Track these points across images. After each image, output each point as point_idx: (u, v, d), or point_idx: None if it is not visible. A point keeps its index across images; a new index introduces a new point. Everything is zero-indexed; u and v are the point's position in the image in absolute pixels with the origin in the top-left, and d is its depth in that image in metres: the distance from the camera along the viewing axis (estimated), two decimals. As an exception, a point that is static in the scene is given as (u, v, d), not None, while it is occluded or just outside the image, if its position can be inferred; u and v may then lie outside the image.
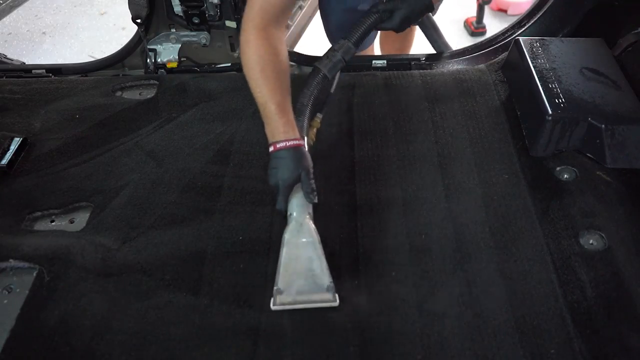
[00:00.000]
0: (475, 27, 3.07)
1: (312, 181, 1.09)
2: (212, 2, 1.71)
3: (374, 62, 1.71)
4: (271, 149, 1.09)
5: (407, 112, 1.48)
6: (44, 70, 1.78)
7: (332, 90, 1.33)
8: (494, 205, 1.22)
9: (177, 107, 1.55)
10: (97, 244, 1.18)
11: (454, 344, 0.98)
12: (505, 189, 1.25)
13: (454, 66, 1.71)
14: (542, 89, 1.34)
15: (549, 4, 1.68)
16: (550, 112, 1.28)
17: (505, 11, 3.20)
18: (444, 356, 0.97)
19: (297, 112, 1.19)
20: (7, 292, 1.10)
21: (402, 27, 1.30)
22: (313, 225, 1.06)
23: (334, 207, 1.24)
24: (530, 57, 1.44)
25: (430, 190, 1.26)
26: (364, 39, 1.28)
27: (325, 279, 1.03)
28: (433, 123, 1.44)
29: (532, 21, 1.71)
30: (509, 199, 1.23)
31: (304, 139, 1.15)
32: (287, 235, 1.04)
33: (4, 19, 3.57)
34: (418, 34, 1.96)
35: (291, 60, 1.77)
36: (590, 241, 1.14)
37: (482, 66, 1.66)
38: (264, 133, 1.34)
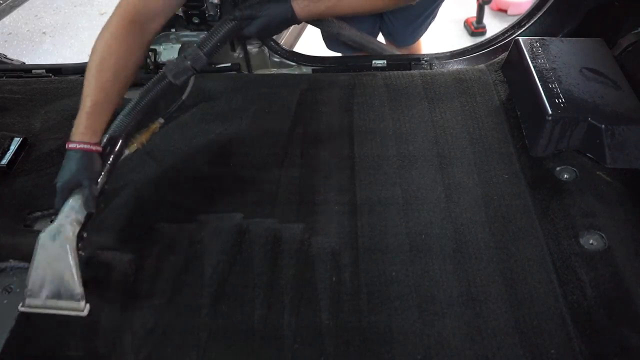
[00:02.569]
0: (475, 27, 3.07)
1: (95, 188, 1.05)
2: (212, 2, 1.71)
3: (374, 62, 1.71)
4: (67, 145, 1.07)
5: (407, 112, 1.48)
6: (44, 70, 1.78)
7: (184, 96, 1.28)
8: (494, 205, 1.22)
9: (177, 107, 1.54)
10: (97, 244, 1.17)
11: (454, 344, 0.98)
12: (505, 189, 1.25)
13: (454, 66, 1.70)
14: (542, 89, 1.34)
15: (549, 4, 1.68)
16: (550, 112, 1.28)
17: (505, 11, 3.20)
18: (444, 356, 0.97)
19: (127, 111, 1.14)
20: (7, 292, 1.10)
21: (261, 35, 1.25)
22: (72, 231, 1.01)
23: (334, 207, 1.24)
24: (530, 57, 1.44)
25: (430, 190, 1.26)
26: (219, 47, 1.21)
27: (76, 287, 0.99)
28: (433, 123, 1.44)
29: (532, 21, 1.71)
30: (509, 199, 1.23)
31: (119, 140, 1.12)
32: (43, 236, 1.01)
33: (4, 19, 3.58)
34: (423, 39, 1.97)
35: (291, 61, 1.77)
36: (590, 241, 1.14)
37: (482, 66, 1.66)
38: (264, 133, 1.33)
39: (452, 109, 1.48)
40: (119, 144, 1.12)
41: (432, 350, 0.97)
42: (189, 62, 1.18)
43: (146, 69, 1.80)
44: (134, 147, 1.18)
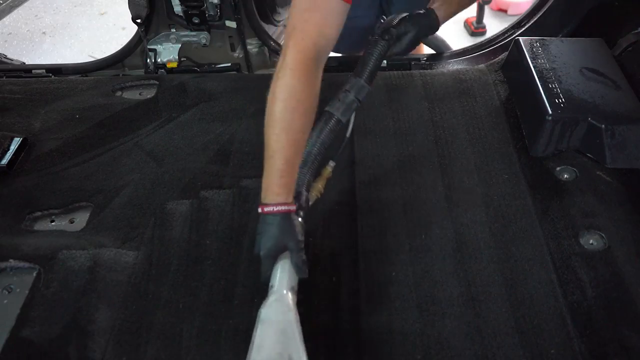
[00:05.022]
0: (475, 27, 3.07)
1: (302, 252, 0.98)
2: (212, 2, 1.71)
3: (374, 62, 1.70)
4: (259, 209, 0.98)
5: (407, 112, 1.48)
6: (44, 70, 1.78)
7: (348, 134, 1.18)
8: (494, 205, 1.22)
9: (177, 107, 1.55)
10: (97, 244, 1.18)
11: (454, 344, 0.98)
12: (505, 189, 1.25)
13: (454, 66, 1.70)
14: (542, 89, 1.34)
15: (549, 4, 1.68)
16: (550, 112, 1.28)
17: (505, 11, 3.20)
18: (444, 356, 0.97)
19: (303, 162, 1.06)
20: (7, 292, 1.10)
21: (409, 49, 1.25)
22: (293, 302, 0.93)
23: (334, 207, 1.24)
24: (530, 57, 1.44)
25: (430, 190, 1.26)
26: (376, 72, 1.17)
27: (301, 356, 0.86)
28: (433, 123, 1.44)
29: (532, 21, 1.71)
30: (509, 199, 1.23)
31: (304, 194, 1.06)
32: (264, 311, 0.90)
33: (4, 19, 3.58)
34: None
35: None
36: (590, 241, 1.14)
37: (482, 66, 1.66)
38: (264, 133, 1.31)
39: (452, 109, 1.48)
40: (304, 197, 1.06)
41: (432, 350, 0.97)
42: (353, 95, 1.12)
43: (146, 69, 1.80)
44: (313, 196, 1.12)
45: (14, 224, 1.24)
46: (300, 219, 1.02)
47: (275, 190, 0.97)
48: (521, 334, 0.99)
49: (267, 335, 0.88)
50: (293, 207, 0.99)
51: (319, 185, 1.14)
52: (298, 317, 0.91)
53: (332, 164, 1.17)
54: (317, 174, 1.13)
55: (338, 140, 1.15)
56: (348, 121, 1.15)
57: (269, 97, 0.98)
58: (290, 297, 0.93)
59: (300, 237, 0.98)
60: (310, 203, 1.09)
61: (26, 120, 1.53)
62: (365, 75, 1.14)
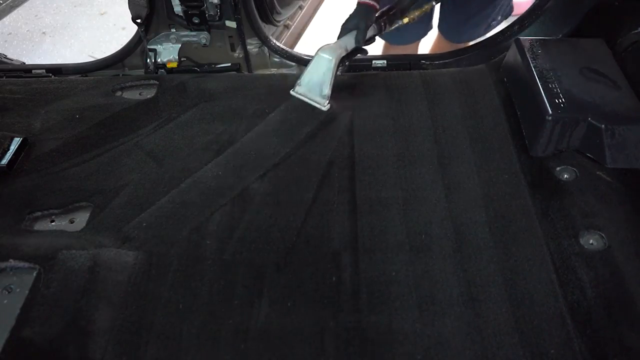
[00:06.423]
0: (475, 27, 3.06)
1: (365, 34, 1.43)
2: (212, 2, 1.71)
3: (374, 62, 1.71)
4: (358, 1, 1.45)
5: (407, 112, 1.48)
6: (44, 70, 1.78)
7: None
8: (494, 205, 1.22)
9: (177, 107, 1.55)
10: (97, 244, 1.18)
11: (454, 344, 0.98)
12: (505, 189, 1.25)
13: (453, 66, 1.70)
14: (542, 89, 1.34)
15: (549, 4, 1.68)
16: (550, 112, 1.28)
17: (505, 11, 3.19)
18: (444, 356, 0.97)
19: None
20: (7, 292, 1.10)
21: None
22: (339, 54, 1.41)
23: (334, 207, 1.24)
24: (530, 57, 1.44)
25: (430, 190, 1.26)
26: None
27: (326, 89, 1.42)
28: (433, 123, 1.44)
29: (532, 21, 1.71)
30: (509, 199, 1.23)
31: (394, 10, 1.50)
32: (320, 50, 1.42)
33: (4, 19, 3.58)
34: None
35: (291, 61, 1.77)
36: (590, 241, 1.14)
37: (482, 66, 1.66)
38: (264, 133, 1.35)
39: (452, 109, 1.48)
40: (393, 12, 1.51)
41: (432, 350, 0.97)
42: None
43: (146, 69, 1.80)
44: (406, 20, 1.54)
45: (14, 224, 1.24)
46: (383, 20, 1.49)
47: None
48: (521, 334, 0.99)
49: (314, 65, 1.45)
50: (374, 4, 1.44)
51: (415, 14, 1.55)
52: (336, 63, 1.42)
53: (433, 2, 1.59)
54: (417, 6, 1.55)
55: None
56: None
57: None
58: (338, 51, 1.42)
59: (369, 23, 1.44)
60: (402, 23, 1.53)
61: (26, 120, 1.53)
62: None
